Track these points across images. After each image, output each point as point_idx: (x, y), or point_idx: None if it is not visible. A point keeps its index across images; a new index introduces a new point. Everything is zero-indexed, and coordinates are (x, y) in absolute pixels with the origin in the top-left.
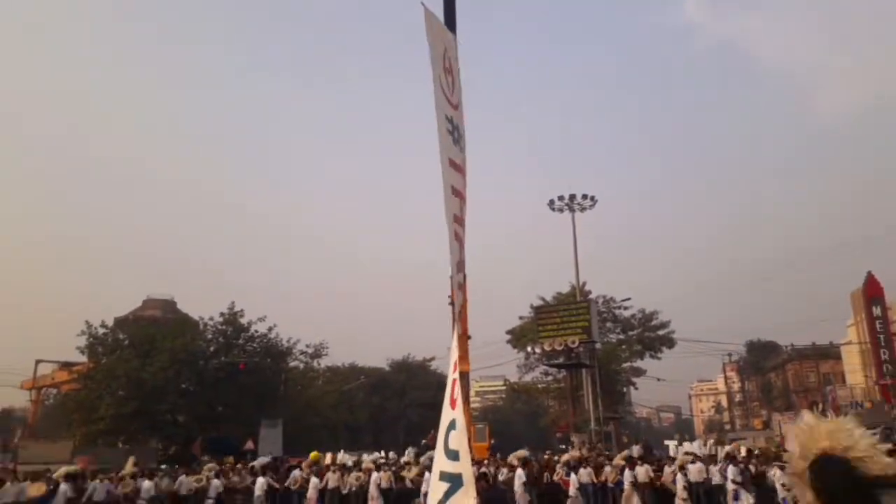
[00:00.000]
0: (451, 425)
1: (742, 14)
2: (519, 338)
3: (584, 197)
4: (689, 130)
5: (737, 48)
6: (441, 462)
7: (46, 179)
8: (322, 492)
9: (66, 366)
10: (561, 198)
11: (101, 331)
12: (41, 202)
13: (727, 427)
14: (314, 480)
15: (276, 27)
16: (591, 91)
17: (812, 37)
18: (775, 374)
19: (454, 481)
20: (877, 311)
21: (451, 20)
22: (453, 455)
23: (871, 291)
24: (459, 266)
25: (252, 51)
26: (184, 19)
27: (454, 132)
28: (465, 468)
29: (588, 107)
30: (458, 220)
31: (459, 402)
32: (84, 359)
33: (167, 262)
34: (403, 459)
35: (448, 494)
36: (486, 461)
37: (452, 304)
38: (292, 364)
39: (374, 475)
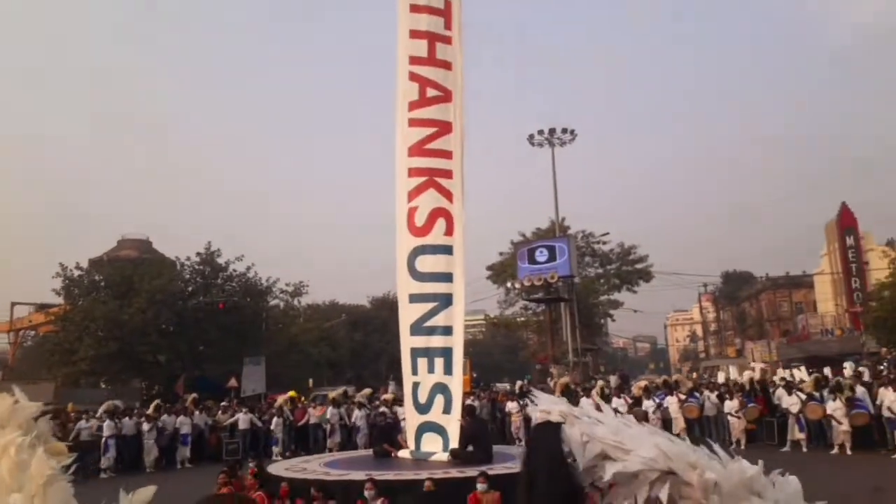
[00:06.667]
0: (418, 250)
1: None
2: (499, 273)
3: (564, 131)
4: (670, 61)
5: None
6: (408, 285)
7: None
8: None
9: (42, 308)
10: (541, 132)
11: (76, 273)
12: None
13: (702, 356)
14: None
15: None
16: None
17: None
18: (749, 303)
19: (440, 300)
20: (850, 240)
21: None
22: (429, 277)
23: (845, 222)
24: (412, 105)
25: None
26: None
27: None
28: (458, 290)
29: (567, 33)
30: (416, 60)
31: (458, 228)
32: (60, 301)
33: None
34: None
35: (435, 312)
36: (471, 394)
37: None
38: (272, 303)
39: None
